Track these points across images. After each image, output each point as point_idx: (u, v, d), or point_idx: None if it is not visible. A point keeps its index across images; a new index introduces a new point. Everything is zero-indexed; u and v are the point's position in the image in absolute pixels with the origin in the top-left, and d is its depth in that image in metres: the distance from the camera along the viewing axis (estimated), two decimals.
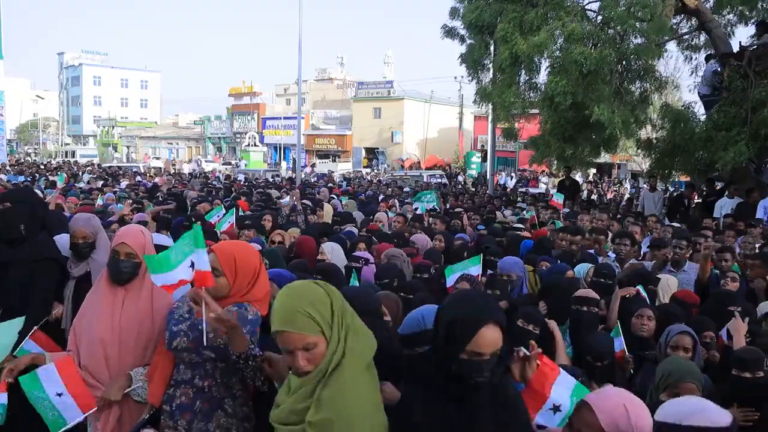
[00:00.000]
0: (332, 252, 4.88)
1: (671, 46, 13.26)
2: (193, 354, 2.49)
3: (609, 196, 23.19)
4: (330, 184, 19.09)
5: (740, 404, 2.85)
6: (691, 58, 13.62)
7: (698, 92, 11.59)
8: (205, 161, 43.30)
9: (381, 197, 13.99)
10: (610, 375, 3.24)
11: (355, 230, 6.89)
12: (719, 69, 10.75)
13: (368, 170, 36.83)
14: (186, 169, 33.48)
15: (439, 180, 27.25)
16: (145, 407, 2.64)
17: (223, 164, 41.11)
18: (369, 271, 4.80)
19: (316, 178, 25.03)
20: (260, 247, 4.81)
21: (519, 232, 7.14)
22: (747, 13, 12.13)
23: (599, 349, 3.24)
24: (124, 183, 16.40)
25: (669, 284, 4.92)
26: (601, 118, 10.16)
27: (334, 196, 12.88)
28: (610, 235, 6.79)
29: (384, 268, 4.44)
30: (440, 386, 1.84)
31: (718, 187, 11.75)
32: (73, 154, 43.33)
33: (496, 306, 1.90)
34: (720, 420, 1.62)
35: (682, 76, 40.03)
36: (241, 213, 8.43)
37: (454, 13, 13.35)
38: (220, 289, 2.45)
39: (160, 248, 3.50)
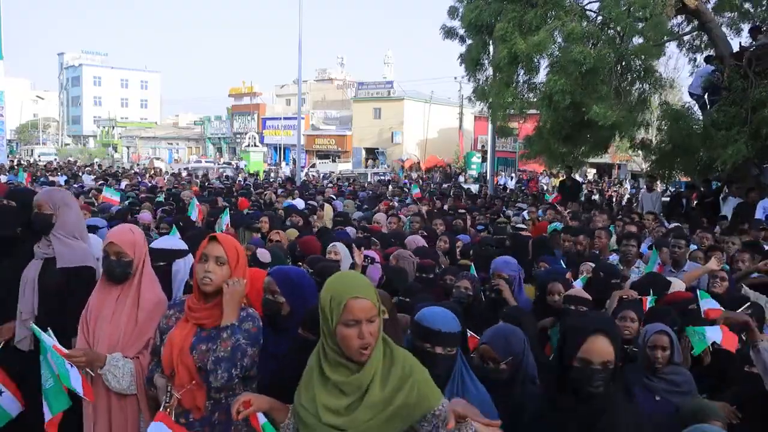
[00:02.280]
0: (344, 253, 4.92)
1: (672, 46, 13.22)
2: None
3: (607, 195, 23.16)
4: (329, 185, 19.11)
5: (750, 401, 2.88)
6: (695, 60, 13.58)
7: (689, 92, 11.60)
8: (205, 161, 43.45)
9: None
10: None
11: (353, 230, 6.91)
12: (716, 71, 10.77)
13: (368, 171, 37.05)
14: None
15: (382, 177, 27.86)
16: (135, 400, 2.69)
17: (223, 164, 41.24)
18: (374, 270, 4.83)
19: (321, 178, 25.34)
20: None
21: (521, 232, 7.16)
22: (752, 10, 12.01)
23: None
24: (124, 183, 16.42)
25: (674, 287, 4.86)
26: (596, 116, 10.12)
27: (333, 197, 12.92)
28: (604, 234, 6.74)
29: (393, 271, 4.48)
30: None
31: (715, 187, 11.75)
32: (32, 152, 44.30)
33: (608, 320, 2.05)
34: None
35: (682, 76, 39.95)
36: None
37: (453, 12, 13.32)
38: (221, 278, 2.47)
39: (167, 251, 3.48)
